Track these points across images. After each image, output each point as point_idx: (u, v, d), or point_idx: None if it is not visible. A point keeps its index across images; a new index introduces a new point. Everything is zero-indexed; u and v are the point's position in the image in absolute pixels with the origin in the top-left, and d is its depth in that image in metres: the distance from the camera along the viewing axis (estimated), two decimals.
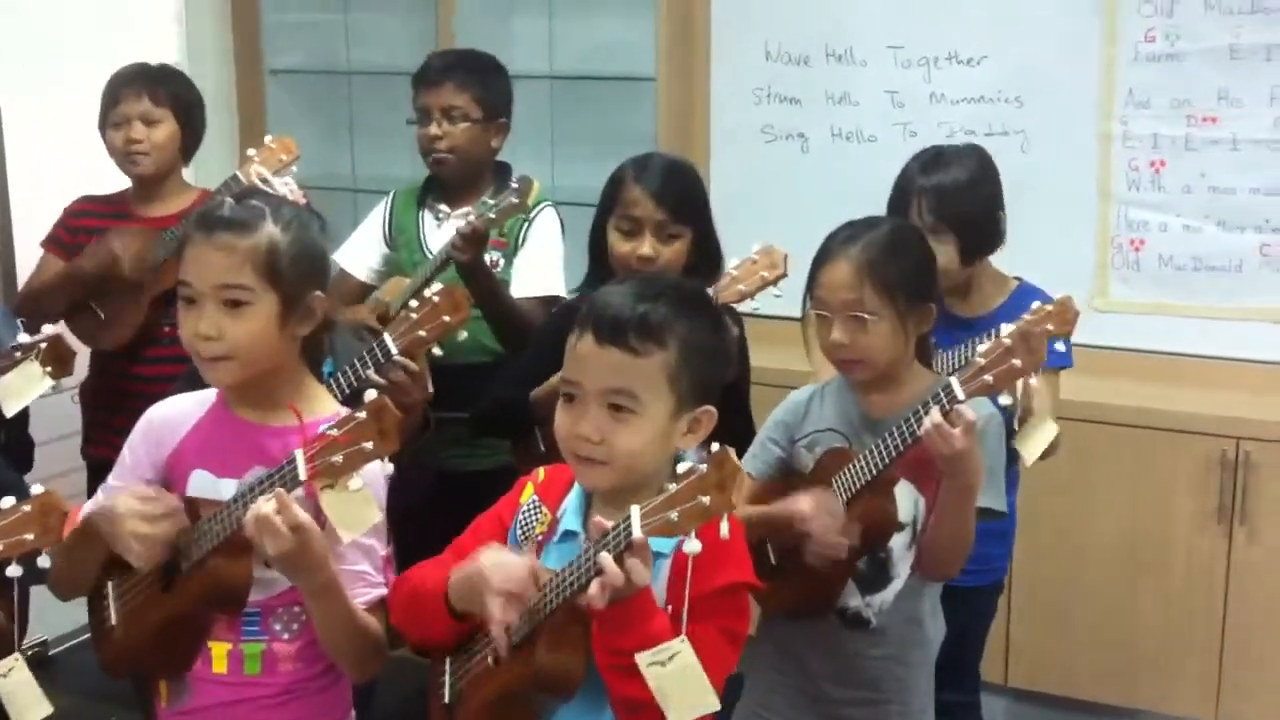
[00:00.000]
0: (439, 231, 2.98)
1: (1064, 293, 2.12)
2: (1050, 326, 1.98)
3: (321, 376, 2.03)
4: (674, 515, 1.45)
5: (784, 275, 2.42)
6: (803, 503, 2.05)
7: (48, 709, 1.81)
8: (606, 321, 1.63)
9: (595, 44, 3.88)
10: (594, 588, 1.49)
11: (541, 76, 3.89)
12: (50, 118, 3.64)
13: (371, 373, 2.27)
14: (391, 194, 3.12)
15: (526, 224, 2.93)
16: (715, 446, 1.48)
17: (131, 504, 1.79)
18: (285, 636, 1.85)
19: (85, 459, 3.14)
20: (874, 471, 2.01)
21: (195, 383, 2.38)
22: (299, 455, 1.67)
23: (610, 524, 1.51)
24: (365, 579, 1.83)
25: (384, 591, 1.85)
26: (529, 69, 3.86)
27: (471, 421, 2.68)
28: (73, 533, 1.85)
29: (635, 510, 1.48)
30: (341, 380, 2.28)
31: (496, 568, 1.62)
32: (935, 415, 1.89)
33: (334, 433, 1.66)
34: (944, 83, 3.51)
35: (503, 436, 2.71)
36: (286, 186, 2.52)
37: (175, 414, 1.93)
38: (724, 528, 1.48)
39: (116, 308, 2.99)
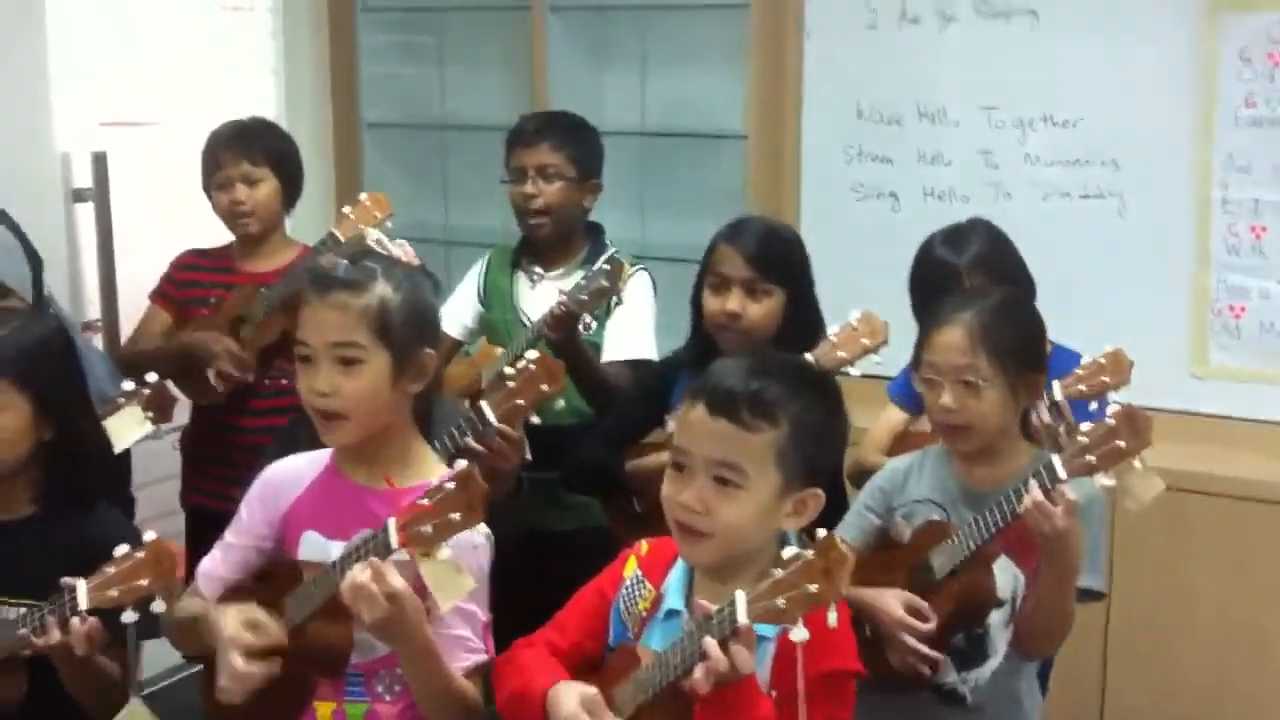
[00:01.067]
0: (532, 293, 3.03)
1: (1157, 357, 2.09)
2: (1106, 379, 1.96)
3: (430, 436, 2.06)
4: (780, 602, 1.45)
5: (885, 343, 2.42)
6: (893, 605, 2.04)
7: None
8: (720, 393, 1.64)
9: (686, 100, 3.91)
10: (698, 672, 1.49)
11: (633, 133, 3.93)
12: (153, 167, 3.75)
13: (470, 440, 2.30)
14: (488, 254, 3.17)
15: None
16: (821, 532, 1.48)
17: (237, 631, 1.81)
18: (388, 698, 1.88)
19: (184, 506, 3.20)
20: (973, 546, 1.99)
21: (292, 439, 2.45)
22: (391, 524, 1.70)
23: (714, 607, 1.51)
24: (465, 644, 1.85)
25: (484, 658, 1.87)
26: (620, 125, 3.91)
27: (564, 477, 2.71)
28: (187, 614, 1.90)
29: (740, 595, 1.48)
30: (439, 447, 2.31)
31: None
32: (1036, 493, 1.88)
33: (424, 503, 1.69)
34: (1038, 144, 3.49)
35: (594, 495, 2.73)
36: (400, 247, 2.57)
37: (290, 474, 1.97)
38: (831, 616, 1.47)
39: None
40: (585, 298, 2.68)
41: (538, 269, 3.05)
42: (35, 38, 3.33)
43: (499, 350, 2.93)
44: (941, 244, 2.54)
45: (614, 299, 2.93)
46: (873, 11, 3.61)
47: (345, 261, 1.91)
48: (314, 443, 2.35)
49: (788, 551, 1.48)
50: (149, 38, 3.84)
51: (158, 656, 3.50)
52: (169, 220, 3.68)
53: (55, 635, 1.81)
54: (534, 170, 2.97)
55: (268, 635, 1.81)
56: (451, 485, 1.67)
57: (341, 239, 2.98)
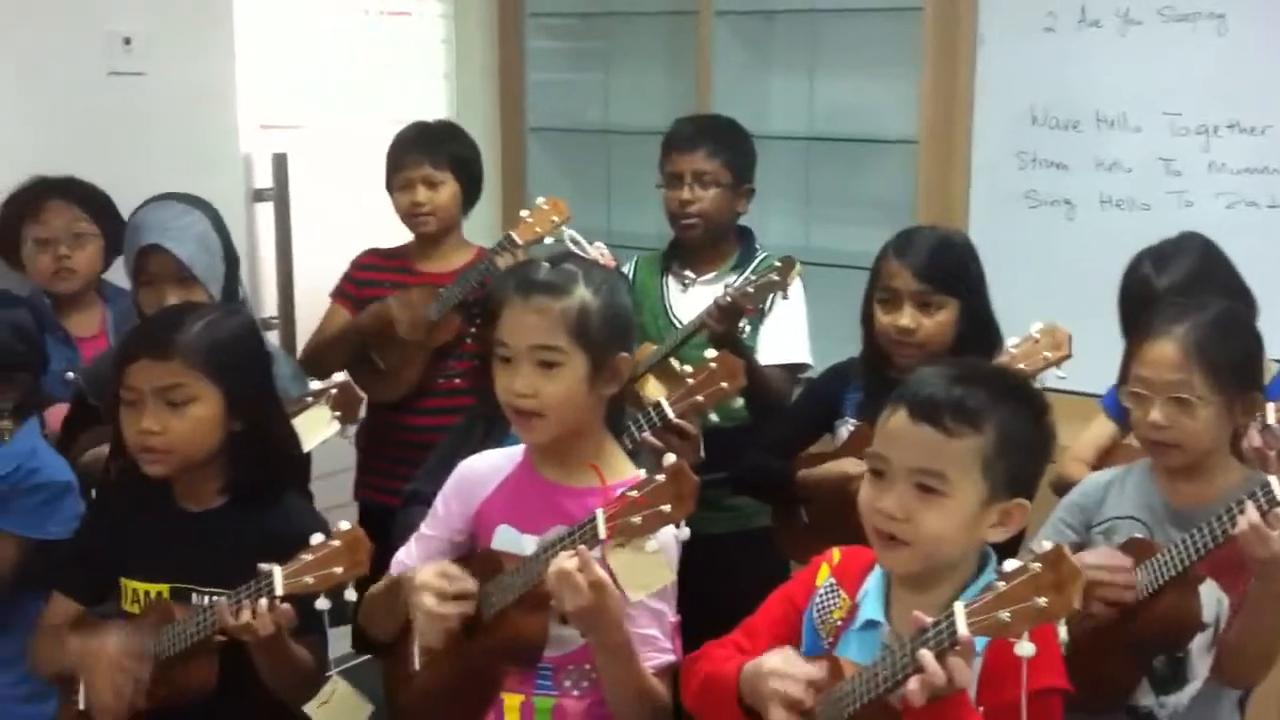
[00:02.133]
0: (683, 296, 3.04)
1: None
2: None
3: (621, 437, 2.08)
4: (1005, 616, 1.41)
5: (1068, 356, 2.36)
6: (1087, 556, 1.96)
7: (369, 708, 1.92)
8: (922, 399, 1.62)
9: (854, 105, 3.88)
10: (913, 684, 1.46)
11: (799, 138, 3.91)
12: (329, 168, 3.85)
13: (647, 435, 2.31)
14: (635, 259, 3.18)
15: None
16: (1046, 544, 1.44)
17: (430, 578, 1.85)
18: (575, 693, 1.90)
19: (357, 499, 3.27)
20: (1180, 567, 1.92)
21: (467, 434, 2.49)
22: (599, 515, 1.71)
23: (929, 619, 1.48)
24: (654, 643, 1.86)
25: (672, 658, 1.87)
26: (786, 129, 3.89)
27: (731, 482, 2.70)
28: (382, 585, 1.94)
29: (960, 607, 1.45)
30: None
31: (777, 675, 1.60)
32: (1253, 514, 1.81)
33: (634, 494, 1.70)
34: (1224, 151, 3.37)
35: (762, 500, 2.72)
36: (597, 249, 2.59)
37: (485, 469, 2.00)
38: (1063, 632, 1.43)
39: (395, 360, 3.11)
40: (753, 291, 2.67)
41: (689, 273, 3.05)
42: (223, 43, 3.44)
43: (651, 346, 2.93)
44: (1147, 262, 2.46)
45: (768, 302, 2.90)
46: (1051, 15, 3.53)
47: (547, 264, 1.93)
48: (488, 437, 2.40)
49: (1009, 564, 1.45)
50: (326, 43, 3.95)
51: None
52: (344, 220, 3.78)
53: (247, 615, 1.85)
54: (690, 176, 2.97)
55: (460, 582, 1.84)
56: (662, 478, 1.67)
57: (519, 242, 3.02)
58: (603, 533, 1.70)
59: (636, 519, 1.68)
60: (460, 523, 1.99)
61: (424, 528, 2.03)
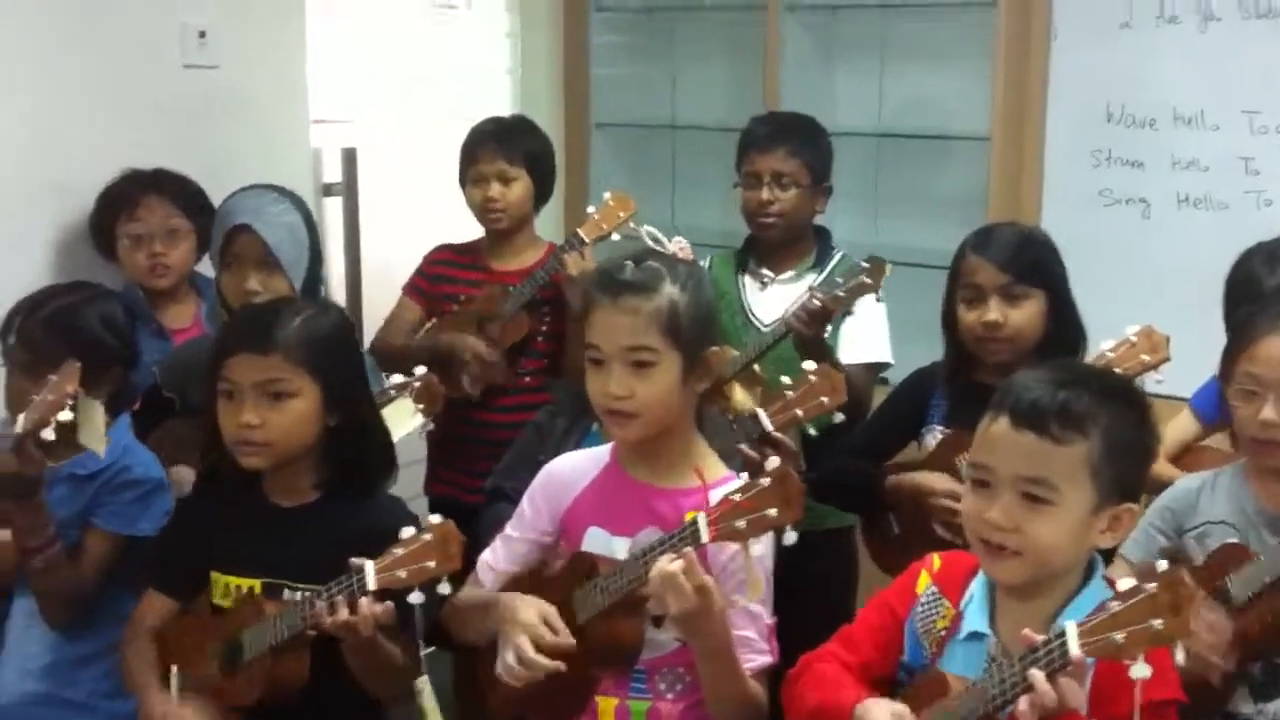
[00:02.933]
0: (762, 295, 3.01)
1: None
2: None
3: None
4: (1119, 637, 1.39)
5: (1166, 359, 2.32)
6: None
7: None
8: (1025, 405, 1.59)
9: (924, 101, 3.83)
10: (1022, 704, 1.44)
11: (867, 134, 3.87)
12: (393, 162, 3.86)
13: (743, 447, 2.28)
14: (710, 258, 3.15)
15: None
16: (1163, 565, 1.42)
17: (531, 620, 1.84)
18: (669, 696, 1.89)
19: (427, 494, 3.27)
20: (1277, 573, 1.89)
21: (548, 432, 2.47)
22: (702, 518, 1.69)
23: (1040, 637, 1.46)
24: (751, 645, 1.85)
25: (769, 660, 1.86)
26: (854, 125, 3.85)
27: (816, 487, 2.67)
28: (479, 600, 1.93)
29: (1072, 627, 1.43)
30: None
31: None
32: None
33: (737, 497, 1.68)
34: None
35: (846, 507, 2.68)
36: (677, 244, 2.57)
37: (572, 470, 1.99)
38: (1180, 656, 1.41)
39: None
40: (842, 294, 2.63)
41: (766, 271, 3.02)
42: (295, 37, 3.45)
43: (733, 352, 2.91)
44: (1256, 259, 2.42)
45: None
46: (1128, 10, 3.48)
47: (631, 263, 1.91)
48: (570, 432, 2.38)
49: (1123, 584, 1.42)
50: (390, 38, 3.96)
51: None
52: (409, 215, 3.79)
53: (344, 614, 1.85)
54: (769, 176, 2.94)
55: (558, 637, 1.83)
56: (767, 481, 1.65)
57: (586, 239, 3.01)
58: (706, 536, 1.68)
59: (741, 523, 1.66)
60: (548, 525, 1.98)
61: (510, 529, 2.02)
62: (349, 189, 3.69)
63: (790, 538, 1.68)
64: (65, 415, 1.97)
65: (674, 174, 4.28)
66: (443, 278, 3.20)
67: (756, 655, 1.85)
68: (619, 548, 1.88)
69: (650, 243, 2.59)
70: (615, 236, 3.03)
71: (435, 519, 1.88)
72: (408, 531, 1.86)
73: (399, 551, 1.84)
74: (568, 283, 2.98)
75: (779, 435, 2.26)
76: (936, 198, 3.79)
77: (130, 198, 2.82)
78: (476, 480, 2.75)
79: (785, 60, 3.87)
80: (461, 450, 3.10)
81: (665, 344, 1.85)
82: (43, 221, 2.88)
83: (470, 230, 3.26)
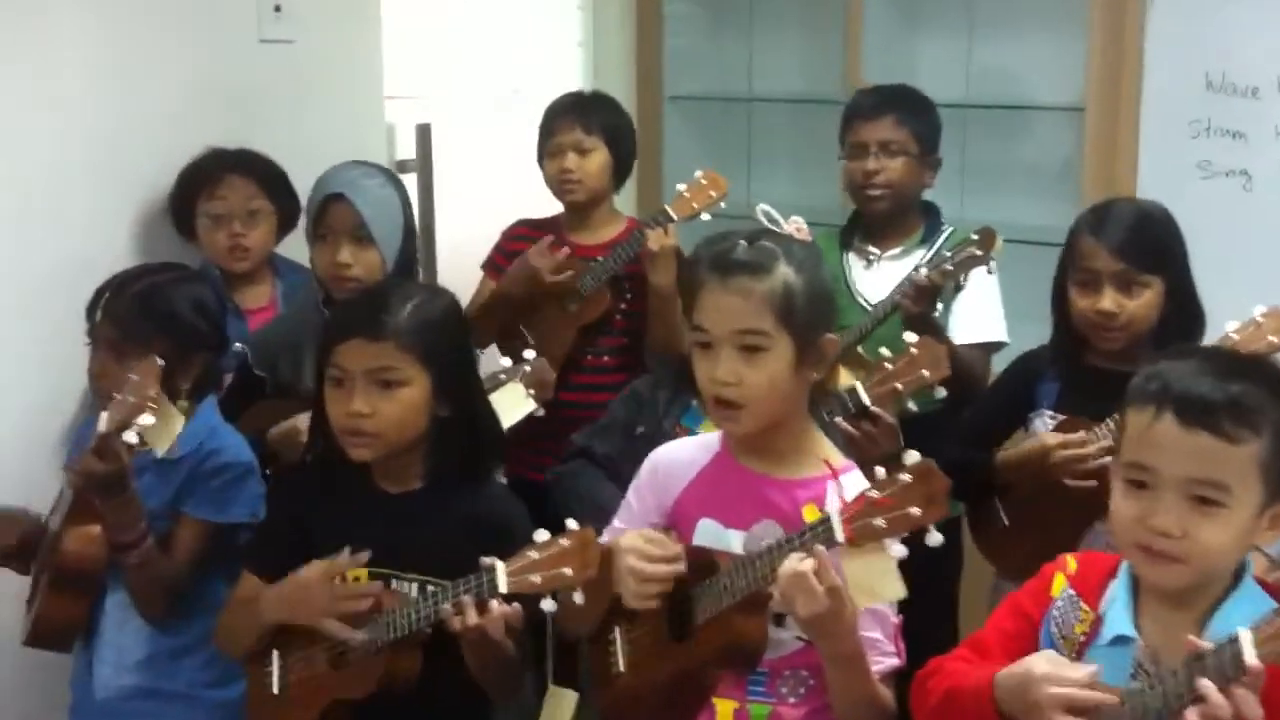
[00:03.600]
0: (868, 274, 2.92)
1: None
2: None
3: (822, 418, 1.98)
4: None
5: None
6: None
7: None
8: (1193, 401, 1.49)
9: (1012, 69, 3.71)
10: (1191, 716, 1.35)
11: (954, 105, 3.74)
12: (464, 138, 3.78)
13: (840, 421, 2.20)
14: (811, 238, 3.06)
15: None
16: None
17: (635, 541, 1.78)
18: (791, 700, 1.81)
19: (503, 475, 3.20)
20: None
21: (647, 401, 2.40)
22: (835, 515, 1.61)
23: (1208, 645, 1.37)
24: (878, 647, 1.77)
25: (896, 662, 1.79)
26: (939, 96, 3.71)
27: None
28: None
29: (1245, 634, 1.34)
30: None
31: (1051, 680, 1.47)
32: None
33: (874, 494, 1.59)
34: None
35: (957, 497, 2.59)
36: (794, 224, 2.48)
37: (681, 459, 1.92)
38: None
39: (544, 334, 3.03)
40: (951, 268, 2.54)
41: (872, 249, 2.93)
42: (370, 11, 3.38)
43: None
44: None
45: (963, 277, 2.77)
46: None
47: (744, 242, 1.82)
48: (668, 407, 2.31)
49: None
50: (460, 11, 3.87)
51: None
52: (481, 191, 3.72)
53: (473, 618, 1.78)
54: (876, 146, 2.86)
55: (666, 547, 1.76)
56: (908, 477, 1.56)
57: (675, 217, 2.92)
58: (840, 535, 1.60)
59: (880, 521, 1.57)
60: (656, 516, 1.91)
61: (617, 521, 1.95)
62: (423, 165, 3.61)
63: (935, 539, 1.58)
64: (147, 419, 1.92)
65: (750, 148, 4.18)
66: (520, 253, 3.12)
67: (884, 658, 1.77)
68: (733, 541, 1.81)
69: (765, 221, 2.49)
70: (705, 216, 2.95)
71: (572, 524, 1.80)
72: (541, 534, 1.79)
73: (533, 555, 1.77)
74: (650, 259, 2.89)
75: (877, 410, 2.17)
76: (1026, 171, 3.67)
77: (212, 176, 2.76)
78: (546, 459, 2.70)
79: (867, 29, 3.76)
80: (535, 430, 3.02)
81: (777, 328, 1.76)
82: (118, 200, 2.82)
83: (545, 207, 3.19)
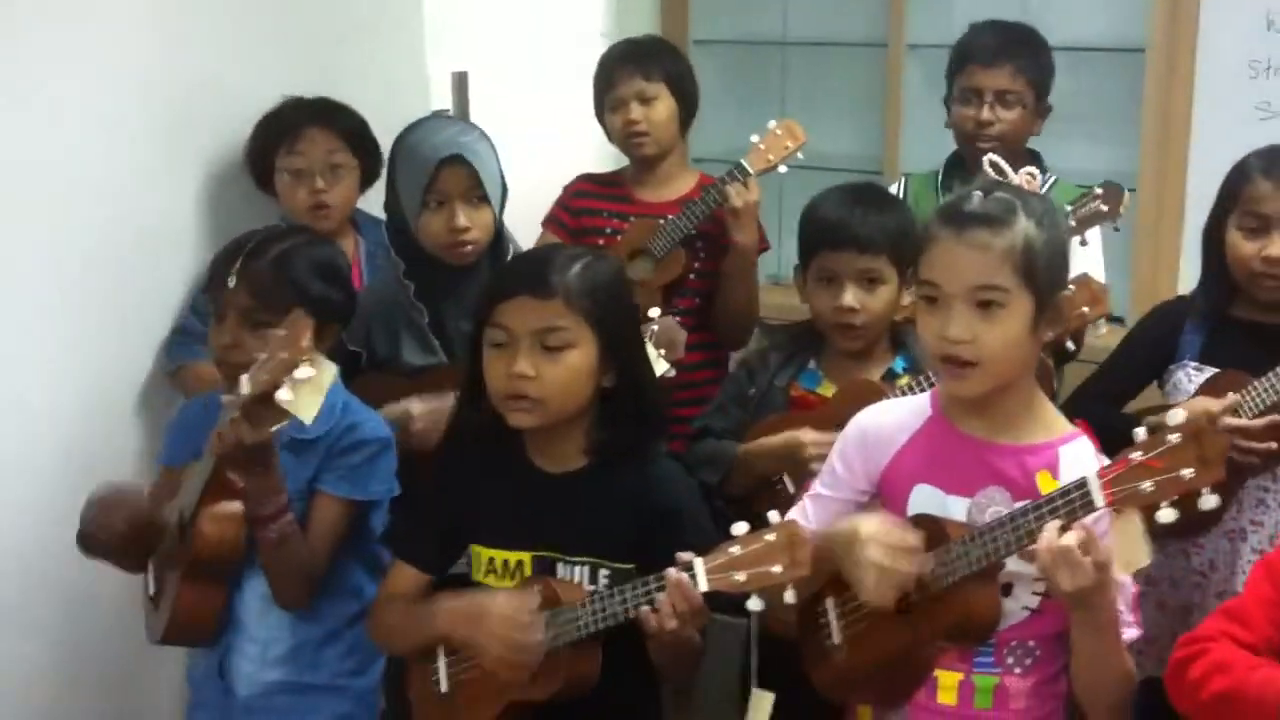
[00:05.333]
0: None
1: None
2: None
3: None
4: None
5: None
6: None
7: None
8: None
9: (1066, 9, 3.61)
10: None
11: None
12: (492, 85, 3.61)
13: None
14: (903, 179, 2.97)
15: None
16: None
17: (877, 529, 1.67)
18: (1018, 671, 1.73)
19: None
20: None
21: (759, 368, 2.31)
22: (1093, 480, 1.53)
23: None
24: (1120, 618, 1.68)
25: (1136, 632, 1.72)
26: None
27: None
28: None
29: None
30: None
31: None
32: None
33: (1138, 456, 1.50)
34: None
35: None
36: (1026, 175, 2.36)
37: (890, 423, 1.82)
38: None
39: None
40: (1074, 223, 2.45)
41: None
42: None
43: None
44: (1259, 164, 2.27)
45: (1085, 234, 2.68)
46: None
47: (980, 194, 1.72)
48: (782, 369, 2.28)
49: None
50: None
51: None
52: (524, 141, 3.55)
53: (672, 622, 1.67)
54: (992, 95, 2.76)
55: (909, 537, 1.66)
56: (1176, 438, 1.47)
57: (751, 170, 2.79)
58: (1100, 501, 1.51)
59: (1148, 485, 1.48)
60: (865, 483, 1.81)
61: (820, 487, 1.85)
62: (461, 114, 3.43)
63: (1210, 501, 1.49)
64: (305, 372, 1.72)
65: (783, 95, 4.04)
66: (587, 210, 2.99)
67: (1125, 629, 1.68)
68: (955, 508, 1.71)
69: (991, 172, 2.37)
70: (782, 169, 2.82)
71: (774, 517, 1.68)
72: (740, 528, 1.67)
73: (735, 551, 1.65)
74: (732, 216, 2.77)
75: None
76: (1085, 114, 3.59)
77: (292, 128, 2.58)
78: None
79: None
80: None
81: (1017, 284, 1.66)
82: (173, 153, 2.63)
83: (581, 159, 3.04)
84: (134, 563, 2.06)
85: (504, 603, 1.78)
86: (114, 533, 2.01)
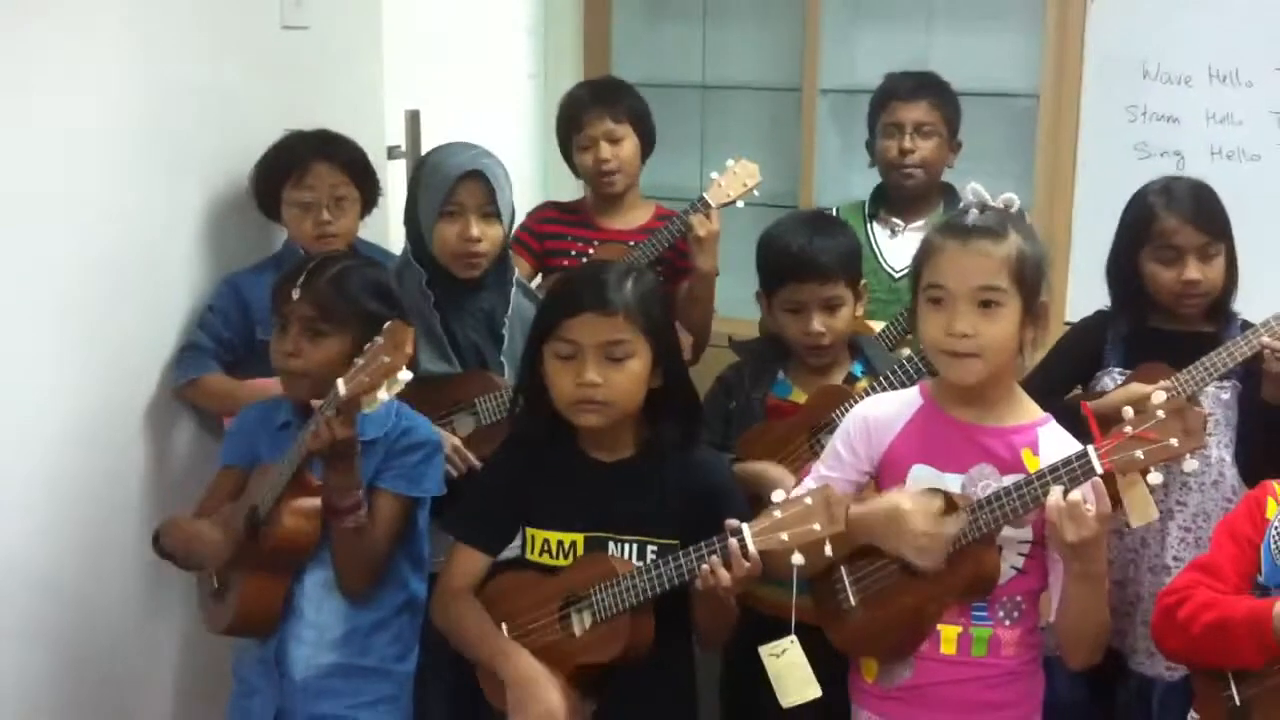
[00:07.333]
0: (893, 243, 3.15)
1: None
2: None
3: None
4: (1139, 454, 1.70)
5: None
6: None
7: (816, 691, 1.93)
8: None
9: (970, 59, 3.94)
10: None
11: None
12: (444, 125, 3.78)
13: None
14: (834, 208, 3.25)
15: None
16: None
17: (917, 503, 1.93)
18: (1007, 623, 2.01)
19: None
20: None
21: (735, 385, 2.54)
22: (1092, 450, 1.81)
23: None
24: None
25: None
26: None
27: None
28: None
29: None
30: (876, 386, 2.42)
31: None
32: None
33: (1128, 430, 1.79)
34: None
35: None
36: (1004, 199, 2.62)
37: (887, 413, 2.09)
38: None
39: None
40: None
41: (898, 220, 3.15)
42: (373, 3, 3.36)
43: None
44: (1160, 200, 2.60)
45: None
46: None
47: (976, 211, 2.00)
48: (756, 383, 2.51)
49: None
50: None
51: None
52: None
53: (726, 578, 1.89)
54: (911, 126, 3.07)
55: (941, 501, 1.91)
56: (1162, 414, 1.76)
57: (713, 205, 3.04)
58: (1098, 466, 1.80)
59: (1139, 453, 1.77)
60: (867, 464, 2.07)
61: (823, 469, 2.10)
62: (413, 152, 3.61)
63: (1191, 465, 1.79)
64: (406, 375, 1.94)
65: (703, 135, 4.31)
66: (552, 235, 3.21)
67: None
68: (951, 484, 1.98)
69: (972, 197, 2.66)
70: (739, 204, 3.08)
71: (809, 483, 1.92)
72: (778, 494, 1.91)
73: (778, 514, 1.88)
74: (695, 245, 3.01)
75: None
76: (990, 152, 3.93)
77: (299, 161, 2.73)
78: None
79: (827, 18, 3.95)
80: None
81: (1012, 287, 1.96)
82: (151, 187, 2.72)
83: (531, 192, 3.23)
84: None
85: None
86: (222, 560, 2.16)
